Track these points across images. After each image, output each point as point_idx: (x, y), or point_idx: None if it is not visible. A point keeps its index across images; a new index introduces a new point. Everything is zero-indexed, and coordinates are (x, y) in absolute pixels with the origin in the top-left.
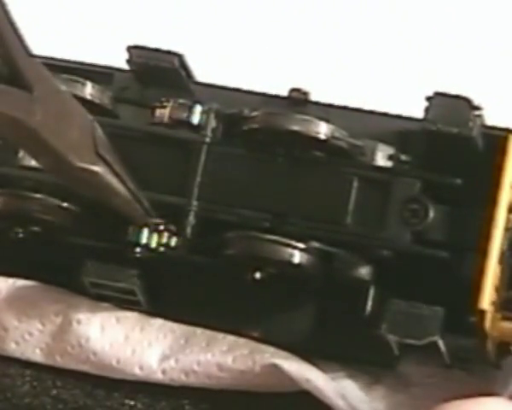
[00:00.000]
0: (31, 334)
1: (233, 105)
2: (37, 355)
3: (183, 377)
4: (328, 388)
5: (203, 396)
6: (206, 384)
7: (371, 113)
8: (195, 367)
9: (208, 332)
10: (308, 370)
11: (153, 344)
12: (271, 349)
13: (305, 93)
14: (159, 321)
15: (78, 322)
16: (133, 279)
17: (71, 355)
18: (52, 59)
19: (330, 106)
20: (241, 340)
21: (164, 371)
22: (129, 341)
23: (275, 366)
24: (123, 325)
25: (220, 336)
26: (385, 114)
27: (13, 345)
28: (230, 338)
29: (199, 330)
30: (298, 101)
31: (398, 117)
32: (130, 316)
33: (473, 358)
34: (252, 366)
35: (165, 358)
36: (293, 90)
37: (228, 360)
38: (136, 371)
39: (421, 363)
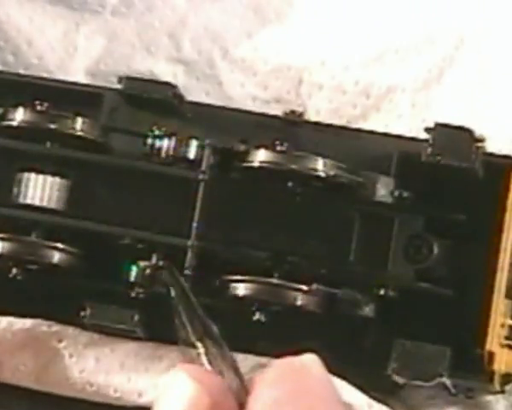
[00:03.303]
0: (25, 365)
1: (225, 127)
2: (32, 383)
3: None
4: None
5: None
6: None
7: (368, 132)
8: None
9: None
10: None
11: (149, 369)
12: (272, 361)
13: (300, 114)
14: (153, 345)
15: (71, 356)
16: (134, 321)
17: (66, 385)
18: (41, 79)
19: (326, 126)
20: (241, 356)
21: None
22: (124, 368)
23: None
24: (117, 354)
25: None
26: (382, 134)
27: (8, 375)
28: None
29: (195, 351)
30: (293, 122)
31: (398, 137)
32: (125, 344)
33: (477, 389)
34: None
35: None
36: (289, 112)
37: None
38: (135, 397)
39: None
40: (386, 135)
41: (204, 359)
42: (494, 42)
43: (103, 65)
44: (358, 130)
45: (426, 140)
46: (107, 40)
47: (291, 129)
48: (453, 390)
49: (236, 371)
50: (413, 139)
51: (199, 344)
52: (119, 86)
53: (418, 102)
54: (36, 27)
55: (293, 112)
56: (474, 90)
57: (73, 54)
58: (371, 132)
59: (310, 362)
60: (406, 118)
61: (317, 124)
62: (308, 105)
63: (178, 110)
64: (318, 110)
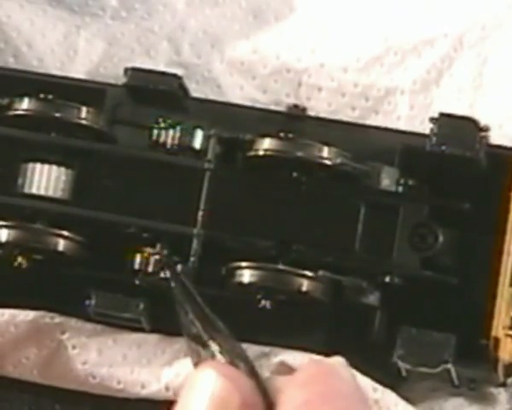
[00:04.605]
0: (27, 358)
1: (231, 123)
2: (35, 376)
3: None
4: None
5: None
6: None
7: (371, 128)
8: None
9: None
10: None
11: (152, 361)
12: (276, 350)
13: (304, 109)
14: (156, 337)
15: (74, 347)
16: (139, 309)
17: (69, 378)
18: (45, 75)
19: (329, 121)
20: (244, 346)
21: (167, 387)
22: (127, 360)
23: (282, 365)
24: (120, 345)
25: None
26: (385, 129)
27: (10, 368)
28: None
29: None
30: (296, 117)
31: (400, 132)
32: (127, 336)
33: (480, 380)
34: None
35: (165, 373)
36: (292, 106)
37: None
38: (139, 389)
39: (424, 379)
40: (389, 130)
41: (220, 358)
42: (493, 44)
43: (103, 68)
44: (362, 125)
45: (427, 135)
46: (107, 44)
47: (295, 123)
48: (456, 382)
49: (252, 369)
50: (416, 134)
51: (212, 343)
52: (119, 78)
53: (417, 103)
54: (36, 30)
55: (296, 106)
56: (472, 93)
57: (74, 57)
58: (375, 127)
59: (338, 365)
60: (405, 120)
61: (319, 119)
62: (307, 107)
63: (183, 102)
64: (317, 113)
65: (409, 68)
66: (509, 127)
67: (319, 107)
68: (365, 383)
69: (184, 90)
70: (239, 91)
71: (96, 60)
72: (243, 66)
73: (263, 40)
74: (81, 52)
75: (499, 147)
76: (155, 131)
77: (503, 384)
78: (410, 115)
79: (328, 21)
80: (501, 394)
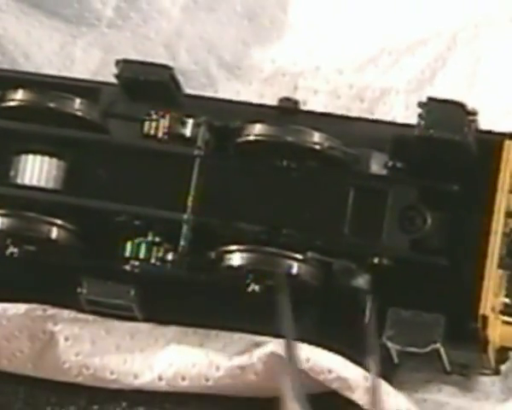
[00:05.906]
0: (21, 351)
1: (222, 116)
2: (29, 370)
3: (180, 381)
4: (328, 363)
5: (203, 406)
6: (206, 387)
7: (363, 120)
8: (191, 369)
9: (201, 331)
10: (308, 350)
11: (145, 350)
12: (267, 339)
13: (296, 102)
14: (148, 326)
15: (66, 339)
16: (131, 296)
17: (63, 370)
18: (39, 75)
19: (321, 114)
20: (236, 335)
21: (160, 377)
22: (120, 350)
23: (274, 356)
24: (113, 336)
25: (213, 333)
26: (377, 121)
27: (5, 362)
28: (224, 335)
29: (190, 331)
30: (288, 110)
31: (391, 124)
32: (120, 325)
33: (472, 364)
34: (250, 361)
35: (159, 363)
36: (283, 99)
37: (224, 358)
38: (132, 380)
39: (418, 370)
40: (380, 121)
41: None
42: (486, 42)
43: (100, 77)
44: (353, 117)
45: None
46: (104, 52)
47: (286, 117)
48: (447, 366)
49: None
50: (406, 125)
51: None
52: (115, 81)
53: (412, 103)
54: (33, 41)
55: (288, 99)
56: (466, 91)
57: (70, 67)
58: (365, 119)
59: None
60: (400, 120)
61: (311, 112)
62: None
63: (175, 94)
64: None
65: (403, 68)
66: (502, 124)
67: (315, 109)
68: (357, 372)
69: (175, 81)
70: (236, 96)
71: (92, 68)
72: (240, 71)
73: (258, 45)
74: (78, 61)
75: (487, 132)
76: (147, 123)
77: (497, 372)
78: (405, 115)
79: (323, 24)
80: (495, 384)
